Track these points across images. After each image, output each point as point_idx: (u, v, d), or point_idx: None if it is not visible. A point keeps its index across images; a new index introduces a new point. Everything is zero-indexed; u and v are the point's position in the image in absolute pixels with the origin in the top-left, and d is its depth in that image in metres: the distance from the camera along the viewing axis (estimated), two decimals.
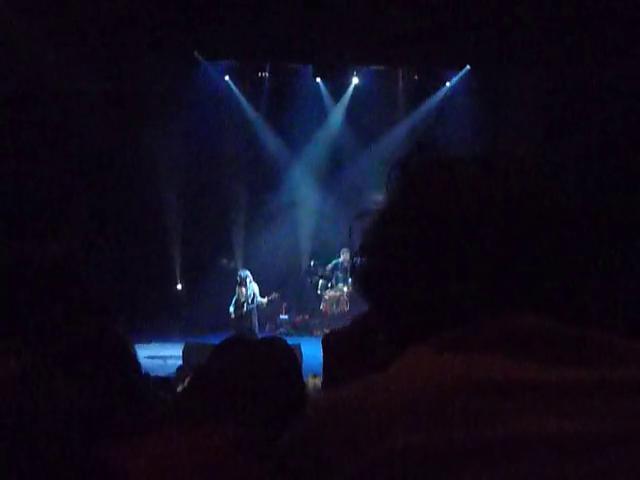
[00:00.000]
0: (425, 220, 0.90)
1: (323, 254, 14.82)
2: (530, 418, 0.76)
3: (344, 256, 14.07)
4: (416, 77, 14.88)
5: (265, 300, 11.96)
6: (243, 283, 11.80)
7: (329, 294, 14.32)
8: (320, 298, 14.42)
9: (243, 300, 11.76)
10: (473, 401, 0.78)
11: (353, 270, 1.00)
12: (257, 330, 11.82)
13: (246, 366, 1.60)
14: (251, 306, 11.77)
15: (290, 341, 1.73)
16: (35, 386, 1.45)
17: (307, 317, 14.56)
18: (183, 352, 10.64)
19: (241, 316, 11.76)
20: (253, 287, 11.85)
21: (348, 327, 1.63)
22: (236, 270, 14.14)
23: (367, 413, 0.81)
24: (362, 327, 1.61)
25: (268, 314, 13.21)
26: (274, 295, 12.14)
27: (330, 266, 14.44)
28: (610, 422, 0.76)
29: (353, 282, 1.01)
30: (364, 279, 0.98)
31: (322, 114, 15.46)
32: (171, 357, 11.34)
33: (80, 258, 1.85)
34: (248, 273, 11.96)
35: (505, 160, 0.95)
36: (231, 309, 11.86)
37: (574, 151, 11.11)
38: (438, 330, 0.86)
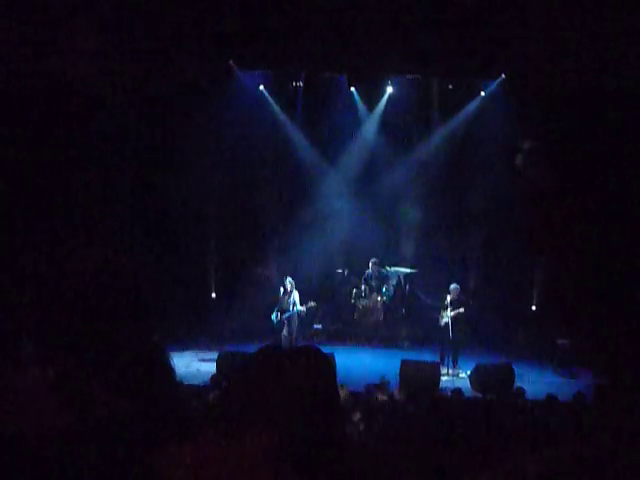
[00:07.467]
0: None
1: (357, 264, 14.80)
2: None
3: (372, 266, 14.14)
4: (450, 86, 14.80)
5: (303, 308, 12.07)
6: (290, 290, 11.99)
7: (363, 303, 14.30)
8: (354, 307, 14.40)
9: (286, 307, 11.99)
10: None
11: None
12: (295, 336, 12.06)
13: (281, 375, 1.61)
14: (291, 313, 12.00)
15: (324, 350, 1.73)
16: (71, 394, 1.47)
17: (341, 326, 14.54)
18: (217, 360, 10.67)
19: (283, 323, 12.04)
20: (294, 295, 12.02)
21: None
22: (270, 279, 14.21)
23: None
24: None
25: (303, 323, 13.28)
26: (311, 304, 12.20)
27: (363, 276, 14.43)
28: None
29: None
30: None
31: (356, 123, 15.42)
32: (205, 365, 11.41)
33: (135, 263, 1.83)
34: (292, 282, 12.12)
35: None
36: (273, 316, 12.16)
37: (612, 158, 10.93)
38: None
